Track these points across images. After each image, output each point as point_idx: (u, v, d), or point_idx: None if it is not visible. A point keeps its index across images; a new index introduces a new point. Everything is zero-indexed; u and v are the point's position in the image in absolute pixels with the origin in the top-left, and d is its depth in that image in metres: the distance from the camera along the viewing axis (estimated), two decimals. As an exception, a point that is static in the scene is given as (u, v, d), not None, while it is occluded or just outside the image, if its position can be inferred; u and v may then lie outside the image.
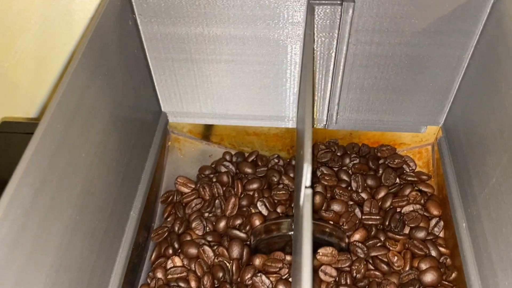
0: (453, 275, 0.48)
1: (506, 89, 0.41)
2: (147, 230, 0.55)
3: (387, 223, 0.53)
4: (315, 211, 0.54)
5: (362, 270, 0.48)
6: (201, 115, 0.58)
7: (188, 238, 0.53)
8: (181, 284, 0.49)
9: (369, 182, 0.57)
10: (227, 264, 0.50)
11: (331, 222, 0.53)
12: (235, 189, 0.57)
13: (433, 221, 0.53)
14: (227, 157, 0.63)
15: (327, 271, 0.48)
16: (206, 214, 0.56)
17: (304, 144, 0.32)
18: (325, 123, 0.57)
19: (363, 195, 0.56)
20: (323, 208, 0.54)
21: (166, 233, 0.54)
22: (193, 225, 0.54)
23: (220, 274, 0.49)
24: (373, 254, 0.50)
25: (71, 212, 0.37)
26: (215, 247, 0.52)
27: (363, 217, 0.53)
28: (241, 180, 0.58)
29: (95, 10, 0.51)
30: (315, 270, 0.48)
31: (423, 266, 0.49)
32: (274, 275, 0.48)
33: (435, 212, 0.54)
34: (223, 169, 0.60)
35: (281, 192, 0.56)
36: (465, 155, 0.49)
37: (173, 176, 0.60)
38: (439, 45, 0.47)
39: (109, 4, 0.43)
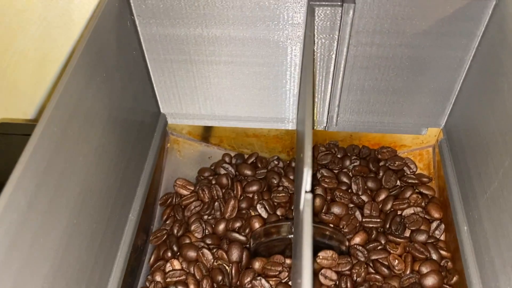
0: (454, 278, 0.48)
1: (508, 91, 0.40)
2: (146, 233, 0.55)
3: (387, 226, 0.53)
4: (315, 214, 0.53)
5: (363, 274, 0.48)
6: (201, 117, 0.58)
7: (187, 241, 0.53)
8: (180, 288, 0.49)
9: (370, 184, 0.56)
10: (227, 268, 0.50)
11: (331, 225, 0.53)
12: (235, 191, 0.56)
13: (434, 224, 0.53)
14: (227, 159, 0.62)
15: (327, 274, 0.47)
16: (206, 217, 0.56)
17: (305, 147, 0.32)
18: (325, 125, 0.57)
19: (364, 197, 0.55)
20: (323, 210, 0.53)
21: (165, 236, 0.54)
22: (192, 227, 0.54)
23: (220, 278, 0.49)
24: (373, 257, 0.50)
25: (69, 215, 0.36)
26: (214, 250, 0.51)
27: (364, 220, 0.53)
28: (240, 182, 0.58)
29: (94, 10, 0.50)
30: (315, 274, 0.47)
31: (424, 269, 0.49)
32: (274, 279, 0.48)
33: (436, 215, 0.53)
34: (222, 171, 0.60)
35: (280, 195, 0.55)
36: (466, 157, 0.49)
37: (172, 178, 0.60)
38: (440, 46, 0.47)
39: (107, 5, 0.42)
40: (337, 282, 0.48)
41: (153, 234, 0.54)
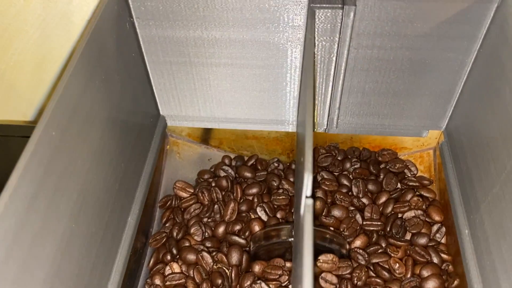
0: (455, 282, 0.47)
1: (509, 94, 0.40)
2: (145, 236, 0.54)
3: (388, 229, 0.53)
4: (316, 216, 0.53)
5: (363, 277, 0.48)
6: (200, 119, 0.57)
7: (187, 244, 0.53)
8: (180, 291, 0.49)
9: (370, 187, 0.56)
10: (226, 271, 0.50)
11: (332, 228, 0.52)
12: (234, 194, 0.56)
13: (435, 227, 0.53)
14: (226, 161, 0.62)
15: (328, 278, 0.47)
16: (205, 219, 0.56)
17: (305, 152, 0.31)
18: (325, 127, 0.56)
19: (364, 200, 0.55)
20: (323, 213, 0.53)
21: (165, 239, 0.54)
22: (192, 230, 0.53)
23: (219, 281, 0.48)
24: (374, 261, 0.50)
25: (68, 219, 0.36)
26: (214, 253, 0.51)
27: (364, 223, 0.53)
28: (240, 184, 0.57)
29: (93, 12, 0.50)
30: (316, 277, 0.47)
31: (425, 273, 0.48)
32: (274, 282, 0.48)
33: (436, 218, 0.53)
34: (222, 174, 0.59)
35: (281, 197, 0.55)
36: (467, 160, 0.49)
37: (171, 180, 0.60)
38: (441, 49, 0.47)
39: (106, 8, 0.42)
40: (338, 286, 0.48)
41: (152, 237, 0.54)
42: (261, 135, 0.61)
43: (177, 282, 0.50)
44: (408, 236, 0.53)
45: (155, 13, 0.47)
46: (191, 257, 0.51)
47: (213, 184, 0.58)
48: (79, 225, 0.38)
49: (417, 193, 0.56)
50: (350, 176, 0.58)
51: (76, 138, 0.37)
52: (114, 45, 0.44)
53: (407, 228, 0.52)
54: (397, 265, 0.49)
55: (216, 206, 0.56)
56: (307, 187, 0.29)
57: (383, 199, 0.55)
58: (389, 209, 0.54)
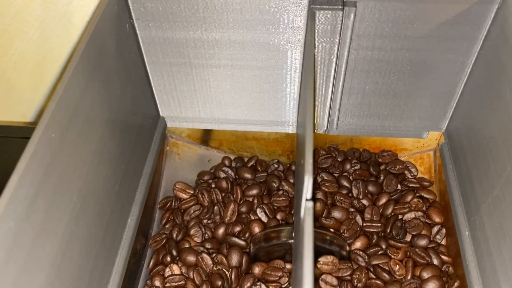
0: (456, 284, 0.47)
1: (510, 96, 0.40)
2: (145, 237, 0.54)
3: (388, 230, 0.53)
4: (316, 218, 0.53)
5: (363, 279, 0.48)
6: (200, 120, 0.57)
7: (187, 245, 0.53)
8: (179, 293, 0.49)
9: (370, 188, 0.56)
10: (226, 273, 0.49)
11: (332, 230, 0.52)
12: (234, 195, 0.56)
13: (435, 229, 0.53)
14: (226, 162, 0.62)
15: (328, 280, 0.47)
16: (205, 221, 0.56)
17: (305, 154, 0.31)
18: (325, 128, 0.56)
19: (364, 201, 0.55)
20: (323, 215, 0.53)
21: (164, 240, 0.54)
22: (192, 232, 0.53)
23: (219, 283, 0.48)
24: (374, 262, 0.50)
25: (67, 221, 0.36)
26: (214, 255, 0.51)
27: (364, 224, 0.53)
28: (240, 186, 0.57)
29: (93, 13, 0.50)
30: (316, 279, 0.47)
31: (425, 275, 0.48)
32: (274, 284, 0.48)
33: (437, 219, 0.53)
34: (222, 175, 0.59)
35: (281, 199, 0.55)
36: (467, 162, 0.48)
37: (171, 182, 0.60)
38: (441, 50, 0.47)
39: (106, 9, 0.42)
40: (338, 288, 0.48)
41: (152, 238, 0.54)
42: (261, 136, 0.61)
43: (177, 283, 0.49)
44: (408, 238, 0.53)
45: (155, 14, 0.47)
46: (191, 258, 0.51)
47: (213, 185, 0.58)
48: (79, 227, 0.38)
49: (417, 194, 0.56)
50: (350, 177, 0.58)
51: (76, 139, 0.37)
52: (114, 46, 0.44)
53: (407, 230, 0.52)
54: (397, 266, 0.49)
55: (216, 207, 0.55)
56: (307, 190, 0.29)
57: (383, 200, 0.55)
58: (389, 210, 0.54)
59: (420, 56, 0.47)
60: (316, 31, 0.46)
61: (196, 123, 0.58)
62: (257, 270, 0.49)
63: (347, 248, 0.51)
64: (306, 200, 0.29)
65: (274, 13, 0.45)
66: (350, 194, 0.56)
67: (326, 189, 0.55)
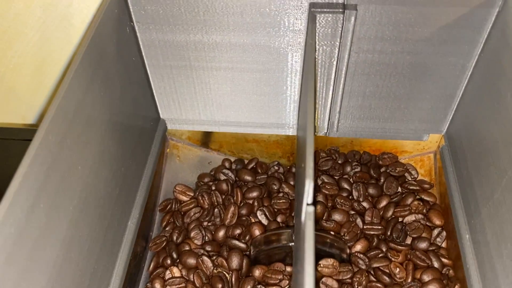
0: (456, 287, 0.47)
1: (510, 99, 0.40)
2: (145, 239, 0.54)
3: (388, 233, 0.52)
4: (316, 221, 0.53)
5: (364, 282, 0.48)
6: (200, 122, 0.57)
7: (187, 248, 0.53)
8: (180, 296, 0.49)
9: (371, 191, 0.56)
10: (227, 275, 0.49)
11: (332, 233, 0.52)
12: (235, 198, 0.56)
13: (436, 231, 0.53)
14: (227, 164, 0.62)
15: (328, 283, 0.47)
16: (205, 223, 0.56)
17: (306, 158, 0.31)
18: (326, 130, 0.56)
19: (365, 204, 0.55)
20: (324, 218, 0.53)
21: (165, 243, 0.54)
22: (192, 234, 0.53)
23: (219, 286, 0.48)
24: (374, 265, 0.50)
25: (68, 225, 0.36)
26: (214, 258, 0.51)
27: (365, 227, 0.53)
28: (240, 188, 0.57)
29: (93, 15, 0.50)
30: (316, 282, 0.47)
31: (426, 277, 0.48)
32: (274, 287, 0.48)
33: (437, 222, 0.53)
34: (222, 177, 0.59)
35: (281, 201, 0.55)
36: (468, 165, 0.48)
37: (171, 184, 0.60)
38: (442, 53, 0.47)
39: (106, 12, 0.42)
40: (338, 291, 0.47)
41: (152, 240, 0.54)
42: (261, 139, 0.61)
43: (177, 286, 0.49)
44: (408, 241, 0.53)
45: (155, 17, 0.46)
46: (191, 261, 0.51)
47: (213, 188, 0.58)
48: (79, 230, 0.38)
49: (418, 197, 0.56)
50: (351, 180, 0.58)
51: (77, 143, 0.37)
52: (115, 49, 0.44)
53: (408, 232, 0.52)
54: (398, 269, 0.49)
55: (216, 209, 0.55)
56: (308, 194, 0.29)
57: (383, 203, 0.55)
58: (390, 213, 0.54)
59: (421, 59, 0.47)
60: (317, 34, 0.46)
61: (197, 125, 0.58)
62: (257, 273, 0.49)
63: (348, 251, 0.51)
64: (307, 204, 0.29)
65: (275, 16, 0.45)
66: (350, 197, 0.56)
67: (327, 192, 0.55)
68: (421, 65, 0.48)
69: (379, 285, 0.48)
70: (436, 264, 0.50)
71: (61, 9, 0.53)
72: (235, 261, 0.50)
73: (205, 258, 0.50)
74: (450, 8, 0.43)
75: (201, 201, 0.56)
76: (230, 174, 0.59)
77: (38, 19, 0.54)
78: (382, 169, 0.59)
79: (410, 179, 0.58)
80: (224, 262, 0.50)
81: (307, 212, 0.29)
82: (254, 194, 0.56)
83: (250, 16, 0.46)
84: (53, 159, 0.34)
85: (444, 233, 0.52)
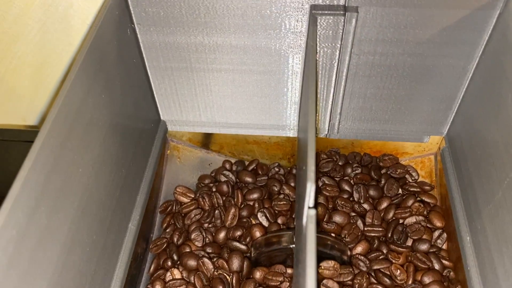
0: (457, 289, 0.47)
1: (511, 101, 0.40)
2: (146, 241, 0.54)
3: (389, 235, 0.52)
4: (317, 223, 0.53)
5: (365, 284, 0.48)
6: (201, 124, 0.57)
7: (188, 249, 0.53)
8: (180, 298, 0.49)
9: (371, 192, 0.56)
10: (227, 277, 0.49)
11: (333, 234, 0.52)
12: (235, 199, 0.56)
13: (436, 233, 0.53)
14: (227, 166, 0.62)
15: (329, 285, 0.47)
16: (206, 225, 0.55)
17: (308, 161, 0.31)
18: (326, 132, 0.56)
19: (365, 206, 0.55)
20: (324, 220, 0.53)
21: (165, 245, 0.53)
22: (193, 236, 0.53)
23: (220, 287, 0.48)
24: (375, 267, 0.50)
25: (69, 227, 0.36)
26: (215, 259, 0.51)
27: (365, 228, 0.53)
28: (241, 189, 0.57)
29: (94, 17, 0.50)
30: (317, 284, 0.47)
31: (426, 279, 0.48)
32: (275, 289, 0.48)
33: (438, 224, 0.53)
34: (223, 178, 0.59)
35: (281, 203, 0.55)
36: (469, 166, 0.48)
37: (172, 185, 0.59)
38: (443, 55, 0.47)
39: (107, 14, 0.42)
40: (339, 293, 0.47)
41: (153, 242, 0.54)
42: (262, 140, 0.61)
43: (178, 288, 0.49)
44: (409, 242, 0.53)
45: (156, 19, 0.46)
46: (192, 263, 0.51)
47: (214, 189, 0.58)
48: (80, 232, 0.38)
49: (418, 198, 0.56)
50: (351, 181, 0.58)
51: (78, 145, 0.37)
52: (116, 51, 0.44)
53: (408, 234, 0.52)
54: (399, 271, 0.49)
55: (216, 211, 0.55)
56: (309, 198, 0.29)
57: (384, 204, 0.55)
58: (390, 215, 0.54)
59: (422, 61, 0.47)
60: (318, 36, 0.45)
61: (197, 127, 0.58)
62: (258, 274, 0.49)
63: (348, 253, 0.51)
64: (309, 208, 0.29)
65: (276, 18, 0.45)
66: (351, 199, 0.56)
67: (327, 194, 0.55)
68: (422, 67, 0.48)
69: (379, 287, 0.48)
70: (436, 266, 0.50)
71: (61, 10, 0.53)
72: (235, 263, 0.50)
73: (205, 260, 0.50)
74: (451, 10, 0.43)
75: (202, 202, 0.56)
76: (230, 175, 0.59)
77: (39, 20, 0.54)
78: (383, 171, 0.59)
79: (410, 180, 0.58)
80: (225, 264, 0.50)
81: (308, 215, 0.29)
82: (255, 195, 0.56)
83: (251, 18, 0.45)
84: (55, 161, 0.33)
85: (444, 235, 0.52)
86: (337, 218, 0.53)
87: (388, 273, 0.49)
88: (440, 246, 0.52)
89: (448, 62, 0.47)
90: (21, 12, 0.53)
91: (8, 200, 0.28)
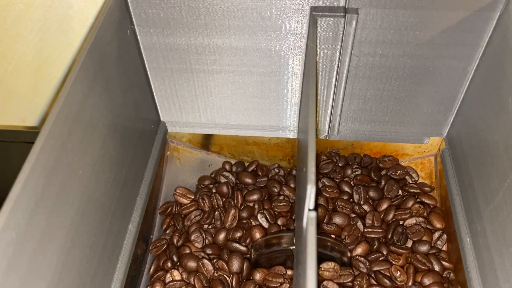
0: (457, 290, 0.47)
1: (511, 102, 0.40)
2: (146, 242, 0.54)
3: (389, 236, 0.52)
4: (317, 224, 0.53)
5: (365, 286, 0.48)
6: (201, 125, 0.57)
7: (187, 251, 0.53)
8: (180, 299, 0.48)
9: (371, 194, 0.56)
10: (227, 279, 0.49)
11: (333, 236, 0.52)
12: (235, 200, 0.56)
13: (436, 234, 0.53)
14: (227, 167, 0.62)
15: (329, 286, 0.47)
16: (206, 226, 0.55)
17: (308, 163, 0.31)
18: (326, 133, 0.56)
19: (365, 207, 0.55)
20: (324, 221, 0.53)
21: (165, 246, 0.53)
22: (192, 237, 0.53)
23: (220, 289, 0.48)
24: (375, 268, 0.50)
25: (68, 229, 0.36)
26: (215, 261, 0.51)
27: (365, 230, 0.53)
28: (241, 191, 0.57)
29: (94, 18, 0.50)
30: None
31: (426, 281, 0.48)
32: (275, 290, 0.48)
33: (438, 225, 0.53)
34: (222, 180, 0.59)
35: (281, 204, 0.55)
36: (469, 168, 0.48)
37: (172, 186, 0.59)
38: (443, 57, 0.47)
39: (107, 15, 0.42)
40: (339, 294, 0.47)
41: (152, 243, 0.54)
42: (262, 141, 0.61)
43: (177, 289, 0.49)
44: (409, 244, 0.53)
45: (156, 21, 0.46)
46: (192, 264, 0.51)
47: (214, 191, 0.58)
48: (80, 234, 0.38)
49: (418, 200, 0.56)
50: (351, 182, 0.58)
51: (78, 146, 0.37)
52: (115, 53, 0.44)
53: (408, 236, 0.52)
54: (399, 273, 0.49)
55: (216, 212, 0.55)
56: (310, 200, 0.29)
57: (384, 206, 0.55)
58: (390, 216, 0.54)
59: (422, 62, 0.47)
60: (318, 37, 0.45)
61: (197, 128, 0.58)
62: (258, 276, 0.49)
63: (348, 254, 0.51)
64: (309, 210, 0.29)
65: (276, 19, 0.45)
66: (351, 200, 0.56)
67: (327, 195, 0.55)
68: (422, 69, 0.48)
69: (380, 288, 0.48)
70: (436, 268, 0.50)
71: (61, 12, 0.53)
72: (235, 264, 0.50)
73: (205, 261, 0.50)
74: (451, 12, 0.43)
75: (202, 204, 0.56)
76: (230, 176, 0.59)
77: (38, 21, 0.54)
78: (383, 172, 0.59)
79: (410, 182, 0.58)
80: (225, 265, 0.50)
81: (309, 217, 0.29)
82: (255, 197, 0.56)
83: (251, 19, 0.45)
84: (55, 163, 0.33)
85: (444, 236, 0.52)
86: (337, 220, 0.53)
87: (388, 274, 0.49)
88: (440, 247, 0.52)
89: (448, 63, 0.47)
90: (21, 13, 0.53)
91: (8, 202, 0.28)
